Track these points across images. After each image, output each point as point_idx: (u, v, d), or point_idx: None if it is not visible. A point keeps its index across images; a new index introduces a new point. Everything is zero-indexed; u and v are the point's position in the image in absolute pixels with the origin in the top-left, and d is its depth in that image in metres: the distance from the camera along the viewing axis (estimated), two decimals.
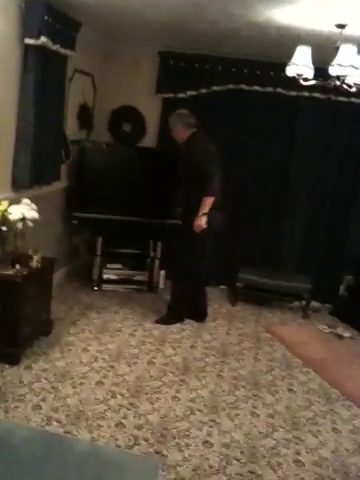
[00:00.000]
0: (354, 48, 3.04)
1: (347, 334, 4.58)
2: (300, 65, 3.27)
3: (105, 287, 4.98)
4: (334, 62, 3.09)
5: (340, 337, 4.52)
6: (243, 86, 4.95)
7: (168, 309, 4.36)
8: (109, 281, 5.01)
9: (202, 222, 3.97)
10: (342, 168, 5.06)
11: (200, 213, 3.96)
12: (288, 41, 3.84)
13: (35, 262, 3.47)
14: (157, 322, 4.28)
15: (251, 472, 2.64)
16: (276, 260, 5.30)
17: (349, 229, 5.14)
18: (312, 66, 3.31)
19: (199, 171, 3.98)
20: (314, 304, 5.10)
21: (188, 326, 4.35)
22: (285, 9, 3.20)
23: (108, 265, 5.02)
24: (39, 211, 3.41)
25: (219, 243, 5.24)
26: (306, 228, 5.23)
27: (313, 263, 5.20)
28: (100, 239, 4.91)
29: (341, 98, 4.64)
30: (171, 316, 4.33)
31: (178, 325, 4.30)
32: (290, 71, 3.37)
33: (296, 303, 5.10)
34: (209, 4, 3.27)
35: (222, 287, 5.41)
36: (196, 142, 4.10)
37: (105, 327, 4.13)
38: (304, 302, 4.96)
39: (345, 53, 3.04)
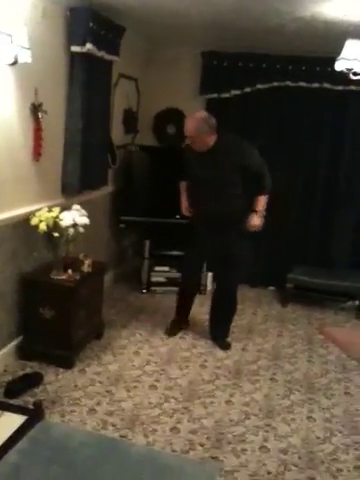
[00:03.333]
0: None
1: None
2: (350, 59, 3.18)
3: (154, 289, 5.00)
4: None
5: None
6: (288, 83, 4.85)
7: (227, 328, 4.08)
8: (157, 284, 5.04)
9: (259, 222, 3.73)
10: None
11: (259, 212, 3.71)
12: (335, 35, 3.74)
13: (86, 267, 3.52)
14: (226, 348, 3.91)
15: (310, 478, 2.57)
16: (327, 259, 5.18)
17: None
18: None
19: (240, 171, 3.57)
20: None
21: (238, 329, 4.30)
22: (333, 3, 3.11)
23: (156, 268, 5.04)
24: (88, 216, 3.46)
25: (268, 244, 5.19)
26: (357, 225, 5.09)
27: None
28: (147, 242, 4.93)
29: None
30: (229, 329, 4.10)
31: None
32: (339, 66, 3.28)
33: (349, 303, 4.97)
34: (255, 1, 3.22)
35: (271, 288, 5.34)
36: (230, 140, 3.60)
37: (155, 330, 4.13)
38: (358, 302, 4.82)
39: None
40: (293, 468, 2.64)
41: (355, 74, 3.33)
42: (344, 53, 3.18)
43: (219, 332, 4.05)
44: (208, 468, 2.57)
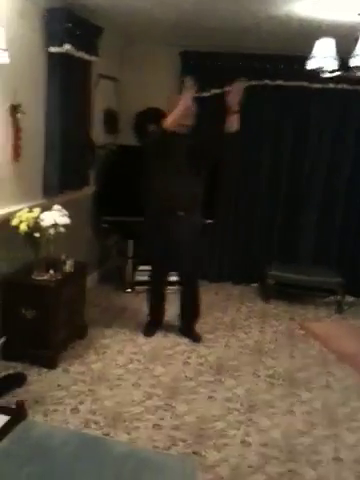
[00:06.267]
0: None
1: None
2: (320, 58, 3.20)
3: (137, 289, 5.02)
4: (355, 53, 3.02)
5: None
6: (267, 81, 4.91)
7: (197, 320, 4.12)
8: (141, 283, 5.05)
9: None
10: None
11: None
12: (311, 33, 3.77)
13: (68, 267, 3.53)
14: (199, 340, 4.01)
15: (290, 471, 2.62)
16: (304, 255, 5.25)
17: None
18: (337, 58, 3.24)
19: (206, 154, 3.70)
20: (349, 298, 5.02)
21: (222, 325, 4.34)
22: (305, 1, 3.16)
23: (140, 267, 5.05)
24: (69, 216, 3.46)
25: (247, 240, 5.25)
26: (320, 224, 5.18)
27: (345, 257, 5.13)
28: (130, 242, 4.95)
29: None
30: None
31: (211, 324, 4.27)
32: (311, 64, 3.30)
33: (330, 298, 5.03)
34: (227, 1, 3.26)
35: (255, 285, 5.38)
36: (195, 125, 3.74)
37: (139, 329, 4.14)
38: (338, 297, 4.88)
39: None
40: (273, 461, 2.68)
41: (332, 72, 3.35)
42: (314, 52, 3.20)
43: (192, 326, 4.09)
44: (189, 463, 2.59)
